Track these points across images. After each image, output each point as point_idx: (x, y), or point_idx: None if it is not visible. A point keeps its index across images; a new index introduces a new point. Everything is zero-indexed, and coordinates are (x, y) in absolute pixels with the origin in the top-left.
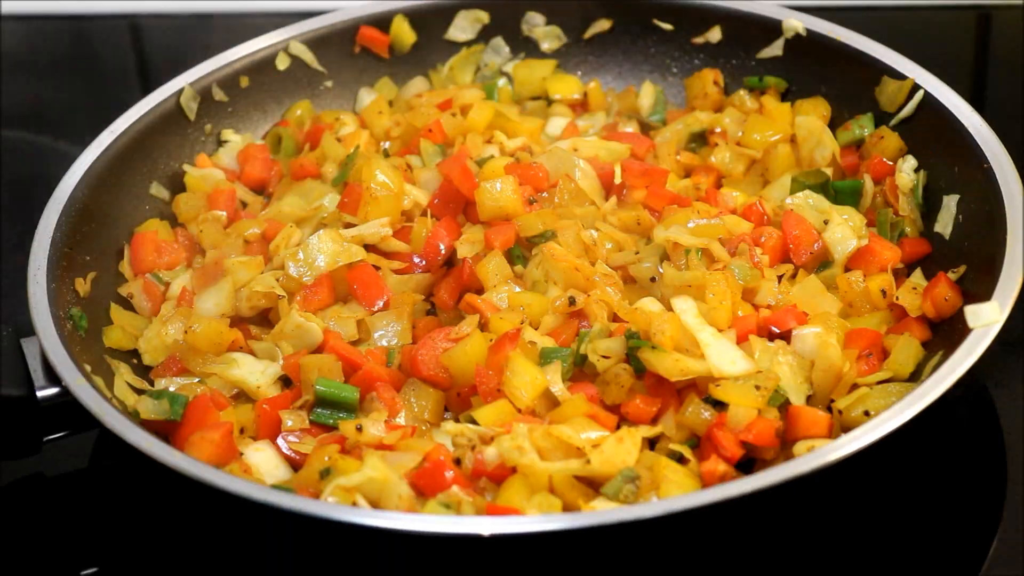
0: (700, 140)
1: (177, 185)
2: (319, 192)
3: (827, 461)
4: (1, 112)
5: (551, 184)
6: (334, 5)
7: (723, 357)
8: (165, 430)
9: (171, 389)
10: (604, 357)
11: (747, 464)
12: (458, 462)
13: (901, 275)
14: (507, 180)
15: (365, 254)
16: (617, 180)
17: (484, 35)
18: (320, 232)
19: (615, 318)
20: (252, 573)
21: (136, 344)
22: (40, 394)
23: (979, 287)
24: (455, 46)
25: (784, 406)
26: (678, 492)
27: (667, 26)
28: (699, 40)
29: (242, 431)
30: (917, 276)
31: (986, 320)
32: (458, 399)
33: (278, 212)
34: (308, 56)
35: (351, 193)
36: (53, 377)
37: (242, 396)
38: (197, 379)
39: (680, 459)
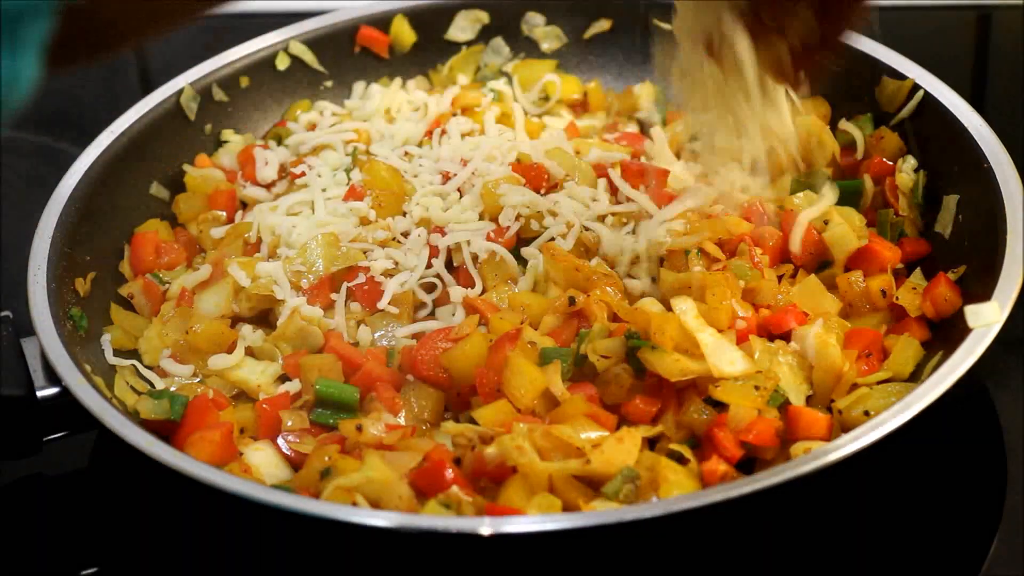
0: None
1: (177, 185)
2: None
3: (827, 461)
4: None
5: (552, 184)
6: (334, 5)
7: (723, 357)
8: (165, 430)
9: (171, 389)
10: (604, 357)
11: (747, 464)
12: (458, 462)
13: (901, 275)
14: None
15: (364, 256)
16: (617, 180)
17: (484, 35)
18: (319, 234)
19: (615, 318)
20: (252, 573)
21: (136, 344)
22: (40, 394)
23: (979, 287)
24: (455, 46)
25: (784, 406)
26: (678, 492)
27: (667, 26)
28: None
29: (242, 431)
30: (917, 276)
31: (986, 320)
32: (458, 399)
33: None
34: (308, 56)
35: (351, 194)
36: (53, 377)
37: (242, 396)
38: (198, 379)
39: (680, 459)
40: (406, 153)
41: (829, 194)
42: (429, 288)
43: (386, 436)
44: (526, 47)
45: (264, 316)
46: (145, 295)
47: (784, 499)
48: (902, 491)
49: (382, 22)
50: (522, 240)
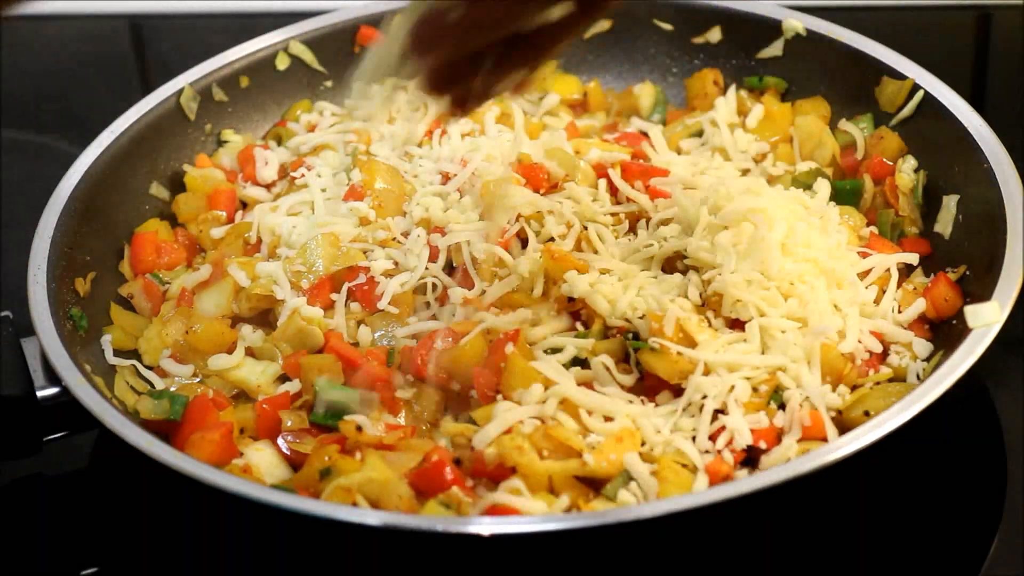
0: (700, 139)
1: (177, 185)
2: None
3: (827, 461)
4: (1, 112)
5: (552, 184)
6: (334, 5)
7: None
8: (165, 430)
9: (171, 389)
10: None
11: (748, 463)
12: (458, 462)
13: (901, 275)
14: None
15: (364, 256)
16: (617, 180)
17: None
18: (319, 234)
19: None
20: (252, 573)
21: (136, 344)
22: (40, 394)
23: (979, 287)
24: None
25: (784, 406)
26: (678, 492)
27: (667, 26)
28: (699, 40)
29: (242, 431)
30: (917, 276)
31: (986, 320)
32: (458, 399)
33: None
34: (308, 56)
35: (351, 194)
36: (53, 377)
37: (242, 396)
38: (198, 379)
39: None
40: (406, 153)
41: (822, 189)
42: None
43: (386, 436)
44: None
45: (264, 316)
46: (145, 295)
47: (784, 499)
48: (902, 491)
49: (382, 22)
50: (522, 240)
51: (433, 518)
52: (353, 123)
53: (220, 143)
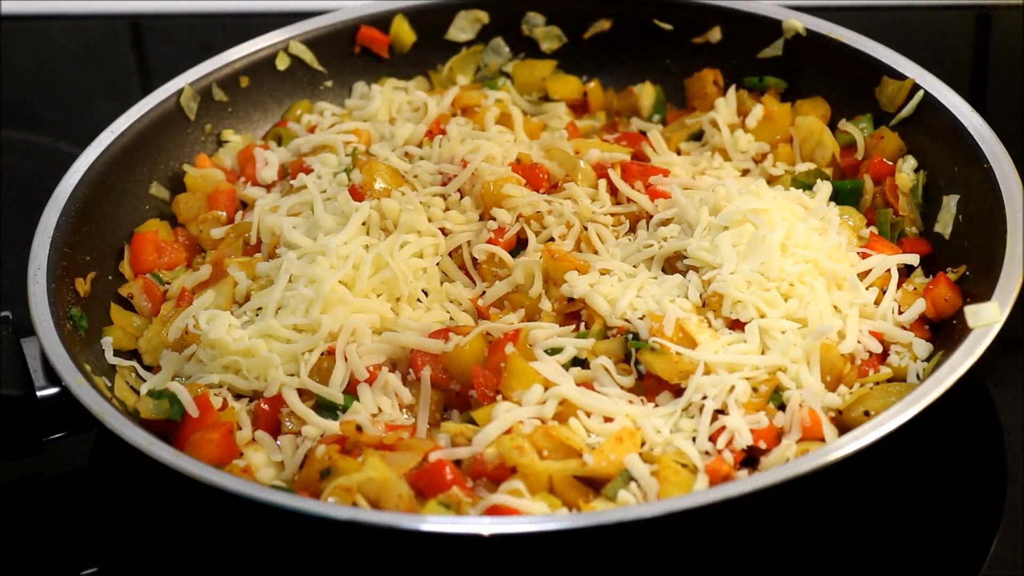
0: (700, 140)
1: (177, 185)
2: None
3: (827, 461)
4: (1, 112)
5: (552, 184)
6: (334, 5)
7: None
8: (165, 430)
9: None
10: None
11: (748, 463)
12: (458, 462)
13: (901, 275)
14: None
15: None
16: (617, 180)
17: (484, 35)
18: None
19: None
20: (252, 573)
21: (136, 344)
22: (40, 394)
23: (979, 287)
24: (455, 46)
25: (784, 406)
26: (678, 492)
27: (667, 26)
28: (699, 40)
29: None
30: (917, 276)
31: (986, 320)
32: (458, 399)
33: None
34: (308, 56)
35: (351, 194)
36: (53, 377)
37: (242, 396)
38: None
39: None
40: (406, 153)
41: (822, 190)
42: None
43: (386, 436)
44: (526, 47)
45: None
46: (145, 295)
47: (784, 499)
48: (902, 491)
49: (382, 22)
50: (522, 240)
51: (433, 518)
52: (353, 123)
53: (220, 143)
